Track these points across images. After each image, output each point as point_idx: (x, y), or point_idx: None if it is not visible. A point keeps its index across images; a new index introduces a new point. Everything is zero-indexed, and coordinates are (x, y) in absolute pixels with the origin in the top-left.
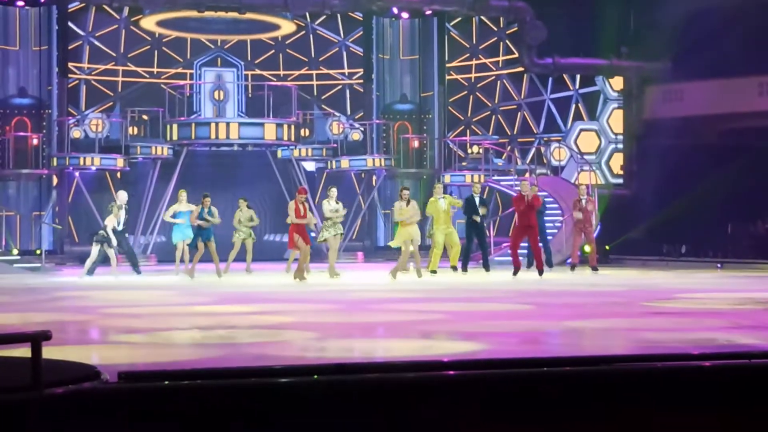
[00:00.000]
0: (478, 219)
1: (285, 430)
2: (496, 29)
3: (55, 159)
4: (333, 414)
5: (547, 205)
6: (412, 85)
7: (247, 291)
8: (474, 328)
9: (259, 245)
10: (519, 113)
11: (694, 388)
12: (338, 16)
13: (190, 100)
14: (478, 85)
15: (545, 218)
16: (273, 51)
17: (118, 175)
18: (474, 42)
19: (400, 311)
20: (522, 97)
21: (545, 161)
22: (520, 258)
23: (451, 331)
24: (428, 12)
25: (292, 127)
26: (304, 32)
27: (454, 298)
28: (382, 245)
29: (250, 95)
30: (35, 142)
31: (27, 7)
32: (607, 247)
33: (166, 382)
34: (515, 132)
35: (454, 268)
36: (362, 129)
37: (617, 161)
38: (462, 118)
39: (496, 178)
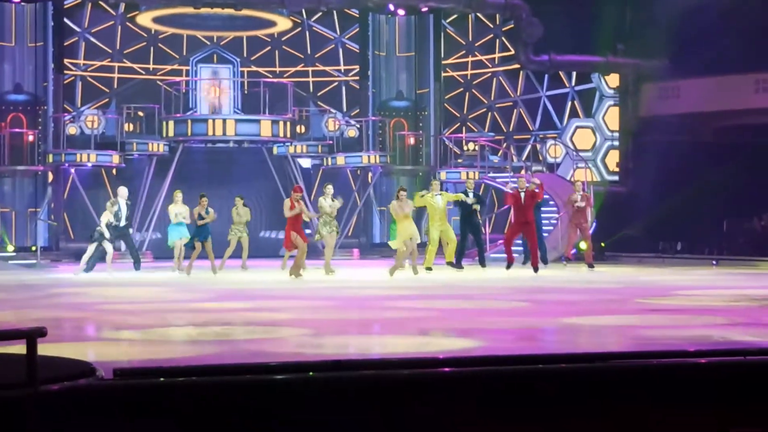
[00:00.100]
0: (477, 207)
1: (281, 427)
2: (492, 26)
3: (50, 155)
4: (329, 411)
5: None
6: (408, 82)
7: (243, 288)
8: (469, 324)
9: (254, 242)
10: (515, 110)
11: (690, 385)
12: (334, 12)
13: (185, 96)
14: (474, 82)
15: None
16: (269, 48)
17: (114, 171)
18: (470, 39)
19: (396, 308)
20: (518, 94)
21: (541, 158)
22: (515, 255)
23: (446, 327)
24: (424, 9)
25: (288, 123)
26: (300, 29)
27: (450, 295)
28: (377, 242)
29: (246, 92)
30: (31, 138)
31: (23, 3)
32: (602, 244)
33: (162, 379)
34: (511, 129)
35: (450, 263)
36: (358, 126)
37: (613, 158)
38: (458, 115)
39: (491, 175)
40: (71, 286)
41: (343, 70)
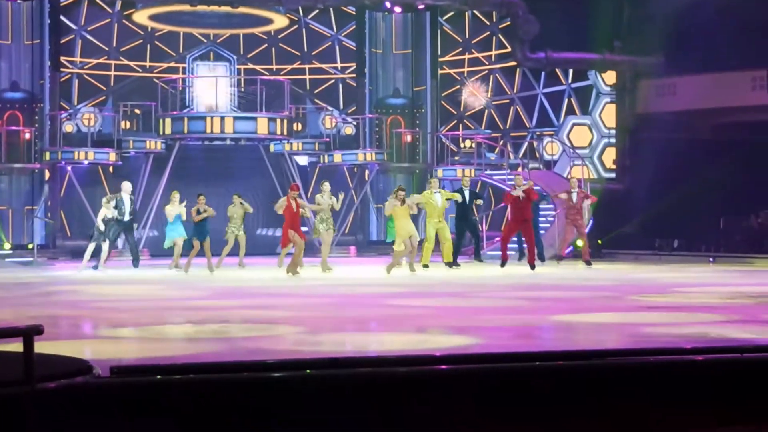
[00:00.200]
0: (480, 201)
1: (279, 424)
2: (488, 23)
3: (47, 153)
4: (326, 408)
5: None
6: (404, 79)
7: (240, 285)
8: (466, 322)
9: (251, 240)
10: (511, 107)
11: (687, 382)
12: (331, 10)
13: (182, 94)
14: (471, 80)
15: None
16: (266, 45)
17: (111, 169)
18: (467, 36)
19: (393, 306)
20: (515, 91)
21: (538, 155)
22: (510, 252)
23: (443, 325)
24: (421, 6)
25: (285, 121)
26: (296, 26)
27: (447, 293)
28: (374, 239)
29: (242, 89)
30: (27, 136)
31: (19, 1)
32: (599, 242)
33: (159, 377)
34: (508, 126)
35: (448, 263)
36: (355, 123)
37: (610, 156)
38: (455, 113)
39: (488, 172)
40: (68, 284)
41: (339, 68)
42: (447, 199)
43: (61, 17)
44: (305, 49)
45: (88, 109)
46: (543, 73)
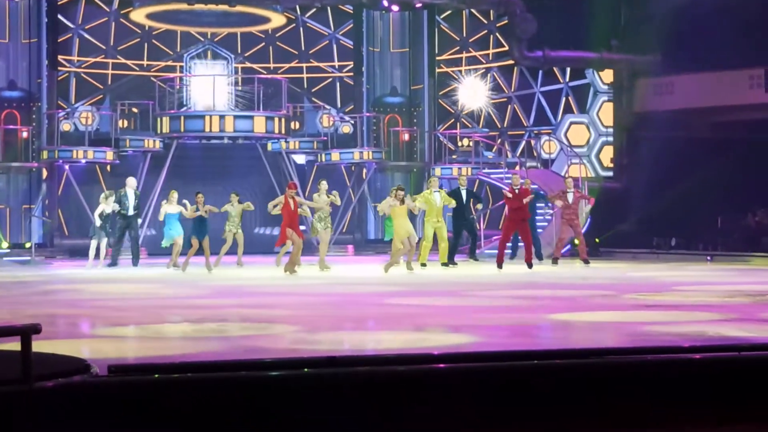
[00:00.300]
0: (480, 206)
1: (276, 423)
2: (486, 22)
3: (44, 152)
4: (324, 406)
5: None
6: (402, 77)
7: (238, 284)
8: (464, 321)
9: (249, 238)
10: (509, 106)
11: (685, 381)
12: (328, 8)
13: (180, 92)
14: (468, 78)
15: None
16: (263, 44)
17: (108, 168)
18: (464, 35)
19: (391, 304)
20: (512, 90)
21: (535, 154)
22: (506, 251)
23: (441, 324)
24: (418, 5)
25: (283, 120)
26: (294, 25)
27: (445, 291)
28: (372, 238)
29: (240, 88)
30: (25, 135)
31: (16, 0)
32: (597, 240)
33: (157, 376)
34: (505, 125)
35: (444, 264)
36: (352, 122)
37: (607, 154)
38: (452, 111)
39: (486, 171)
40: (66, 283)
41: (337, 67)
42: (446, 206)
43: (59, 16)
44: (303, 48)
45: (86, 107)
46: (540, 72)
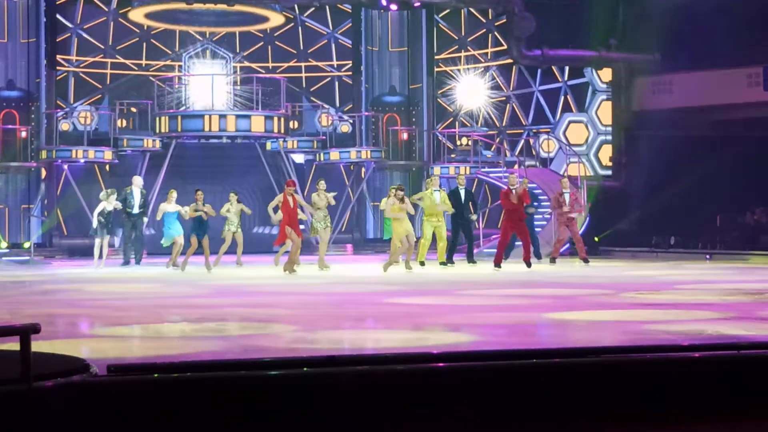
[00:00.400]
0: (474, 217)
1: (276, 423)
2: (484, 21)
3: (43, 152)
4: (324, 406)
5: (537, 197)
6: (400, 76)
7: (237, 284)
8: (463, 319)
9: (248, 238)
10: (508, 105)
11: (684, 379)
12: (327, 7)
13: (178, 92)
14: (467, 77)
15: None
16: (262, 43)
17: (107, 167)
18: (463, 34)
19: (390, 303)
20: (511, 88)
21: (534, 153)
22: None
23: (440, 322)
24: (417, 4)
25: (282, 119)
26: (292, 24)
27: (443, 290)
28: (371, 237)
29: (238, 87)
30: (24, 134)
31: None
32: (596, 239)
33: (156, 375)
34: (504, 124)
35: (443, 263)
36: (351, 121)
37: (606, 153)
38: (451, 110)
39: (485, 170)
40: (65, 283)
41: (336, 66)
42: (445, 212)
43: (57, 15)
44: (301, 47)
45: (85, 107)
46: (539, 71)
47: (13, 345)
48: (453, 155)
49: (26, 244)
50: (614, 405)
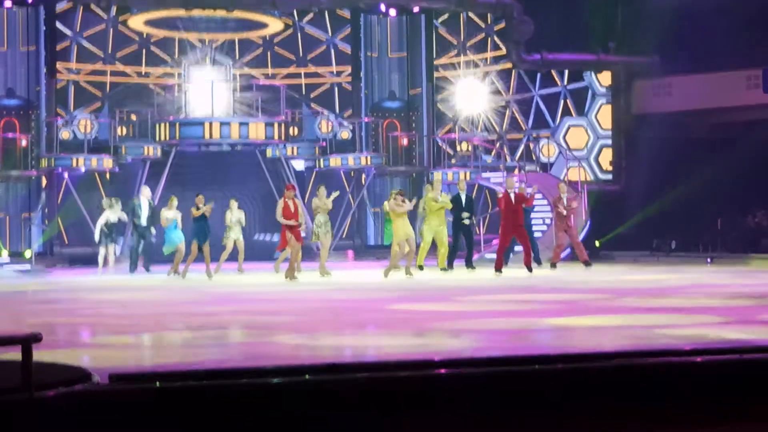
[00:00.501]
0: (467, 222)
1: (277, 430)
2: (483, 25)
3: (44, 160)
4: (326, 413)
5: (537, 201)
6: (400, 82)
7: (238, 291)
8: (465, 325)
9: (248, 245)
10: (507, 109)
11: (686, 383)
12: (326, 13)
13: (178, 99)
14: (466, 82)
15: (532, 214)
16: (261, 49)
17: (107, 175)
18: (462, 39)
19: (391, 309)
20: (510, 93)
21: (534, 158)
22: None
23: (441, 328)
24: (416, 9)
25: (282, 126)
26: (291, 30)
27: (444, 296)
28: (372, 244)
29: (238, 94)
30: (24, 143)
31: (14, 8)
32: (597, 243)
33: (158, 384)
34: (504, 128)
35: (443, 269)
36: (351, 127)
37: (606, 157)
38: (451, 115)
39: (485, 175)
40: (66, 292)
41: (335, 72)
42: (446, 211)
43: (57, 24)
44: (301, 54)
45: (85, 115)
46: (539, 75)
47: (14, 354)
48: (453, 160)
49: (27, 253)
50: (616, 409)
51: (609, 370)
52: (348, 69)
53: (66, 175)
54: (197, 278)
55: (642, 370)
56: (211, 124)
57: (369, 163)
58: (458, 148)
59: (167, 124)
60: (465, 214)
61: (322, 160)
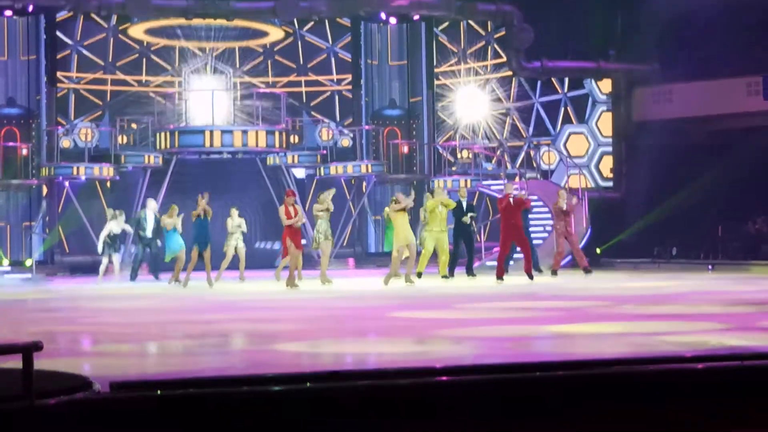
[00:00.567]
0: (467, 220)
1: None
2: (484, 33)
3: (44, 169)
4: (327, 421)
5: (538, 209)
6: (400, 90)
7: (239, 299)
8: (466, 333)
9: (249, 253)
10: (508, 117)
11: (688, 390)
12: (326, 22)
13: (179, 108)
14: (467, 90)
15: (530, 221)
16: (261, 58)
17: (108, 184)
18: (462, 46)
19: (392, 317)
20: (511, 101)
21: (535, 165)
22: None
23: (442, 336)
24: (416, 17)
25: (282, 134)
26: (292, 39)
27: (445, 303)
28: (373, 251)
29: (239, 102)
30: (24, 152)
31: (15, 17)
32: (598, 251)
33: (159, 392)
34: (505, 136)
35: (444, 276)
36: (351, 135)
37: (607, 164)
38: (451, 123)
39: (486, 182)
40: (67, 300)
41: (335, 80)
42: (449, 211)
43: (57, 32)
44: (301, 62)
45: (85, 124)
46: (539, 83)
47: (15, 363)
48: (454, 168)
49: (28, 262)
50: (618, 416)
51: (610, 377)
52: (348, 77)
53: (67, 183)
54: (198, 286)
55: (643, 377)
56: (211, 132)
57: (369, 171)
58: (459, 156)
59: (168, 133)
60: (469, 214)
61: (322, 168)
